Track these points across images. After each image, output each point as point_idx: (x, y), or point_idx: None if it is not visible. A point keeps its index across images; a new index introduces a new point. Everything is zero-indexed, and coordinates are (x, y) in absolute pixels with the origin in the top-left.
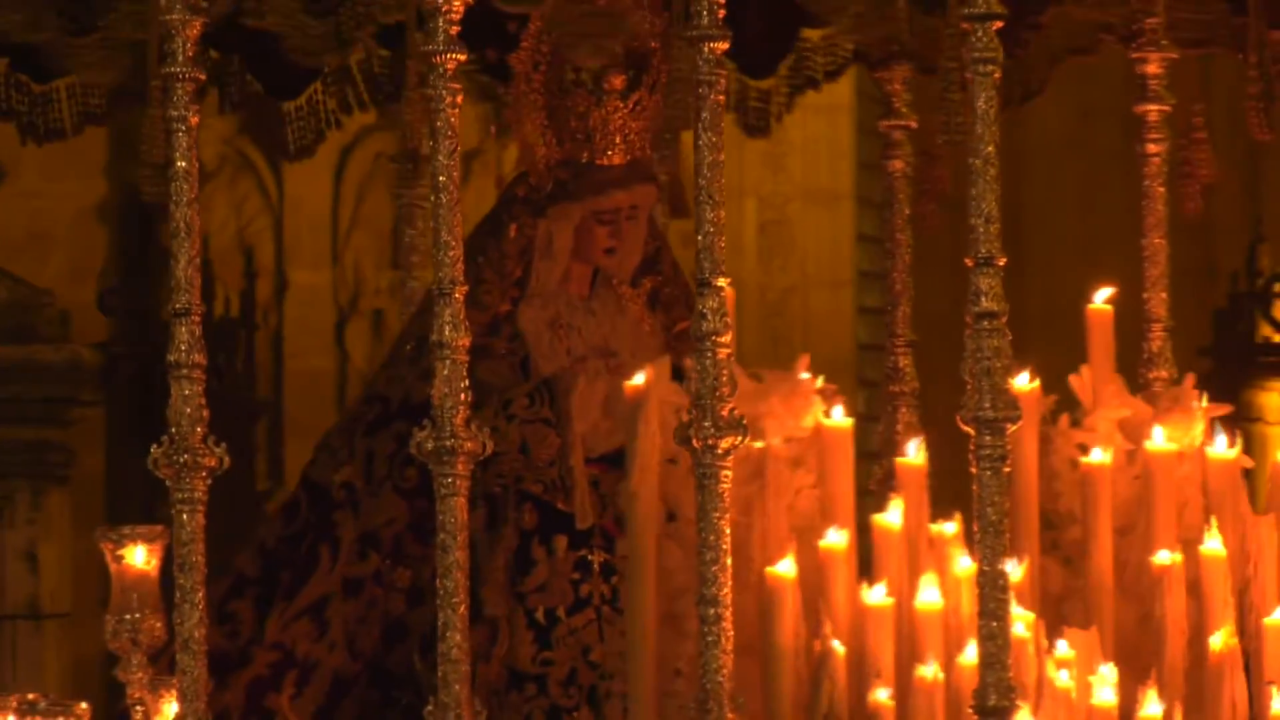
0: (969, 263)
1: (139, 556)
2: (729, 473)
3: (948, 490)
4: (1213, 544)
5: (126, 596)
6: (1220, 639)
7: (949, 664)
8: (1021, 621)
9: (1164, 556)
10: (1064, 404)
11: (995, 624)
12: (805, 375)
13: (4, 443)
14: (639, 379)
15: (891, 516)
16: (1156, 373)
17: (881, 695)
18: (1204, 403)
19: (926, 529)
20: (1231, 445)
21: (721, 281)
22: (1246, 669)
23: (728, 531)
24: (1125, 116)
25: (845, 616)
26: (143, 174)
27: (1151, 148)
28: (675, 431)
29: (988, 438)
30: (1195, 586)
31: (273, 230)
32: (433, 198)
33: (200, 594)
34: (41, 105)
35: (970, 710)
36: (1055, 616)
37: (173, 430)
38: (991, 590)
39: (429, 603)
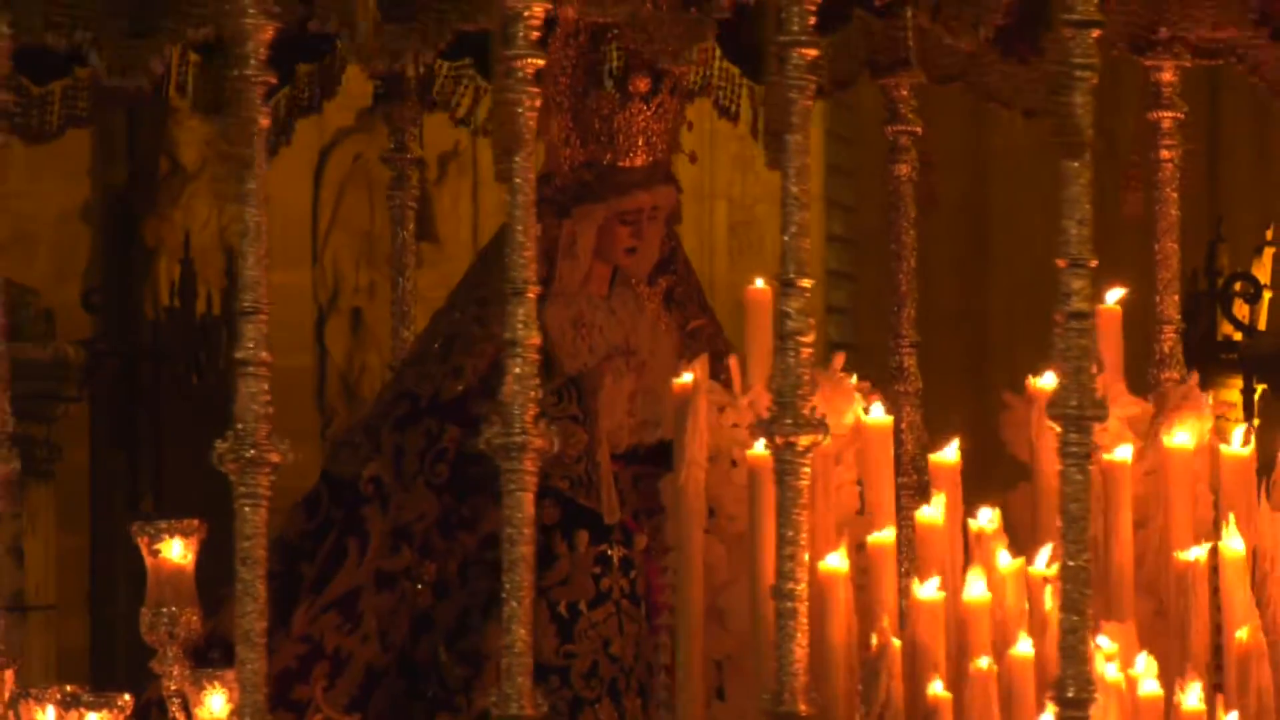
0: (1061, 264)
1: (175, 550)
2: (808, 469)
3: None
4: (1232, 540)
5: (163, 590)
6: (1246, 632)
7: (998, 658)
8: None
9: (1191, 553)
10: None
11: (1076, 617)
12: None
13: None
14: (687, 377)
15: (934, 512)
16: (1168, 374)
17: (938, 688)
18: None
19: (960, 525)
20: (1246, 443)
21: (805, 282)
22: None
23: (805, 527)
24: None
25: (892, 612)
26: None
27: (1165, 154)
28: (753, 428)
29: (1073, 434)
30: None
31: None
32: (509, 199)
33: (261, 587)
34: (38, 107)
35: (1049, 700)
36: None
37: (239, 426)
38: (1074, 584)
39: (453, 596)
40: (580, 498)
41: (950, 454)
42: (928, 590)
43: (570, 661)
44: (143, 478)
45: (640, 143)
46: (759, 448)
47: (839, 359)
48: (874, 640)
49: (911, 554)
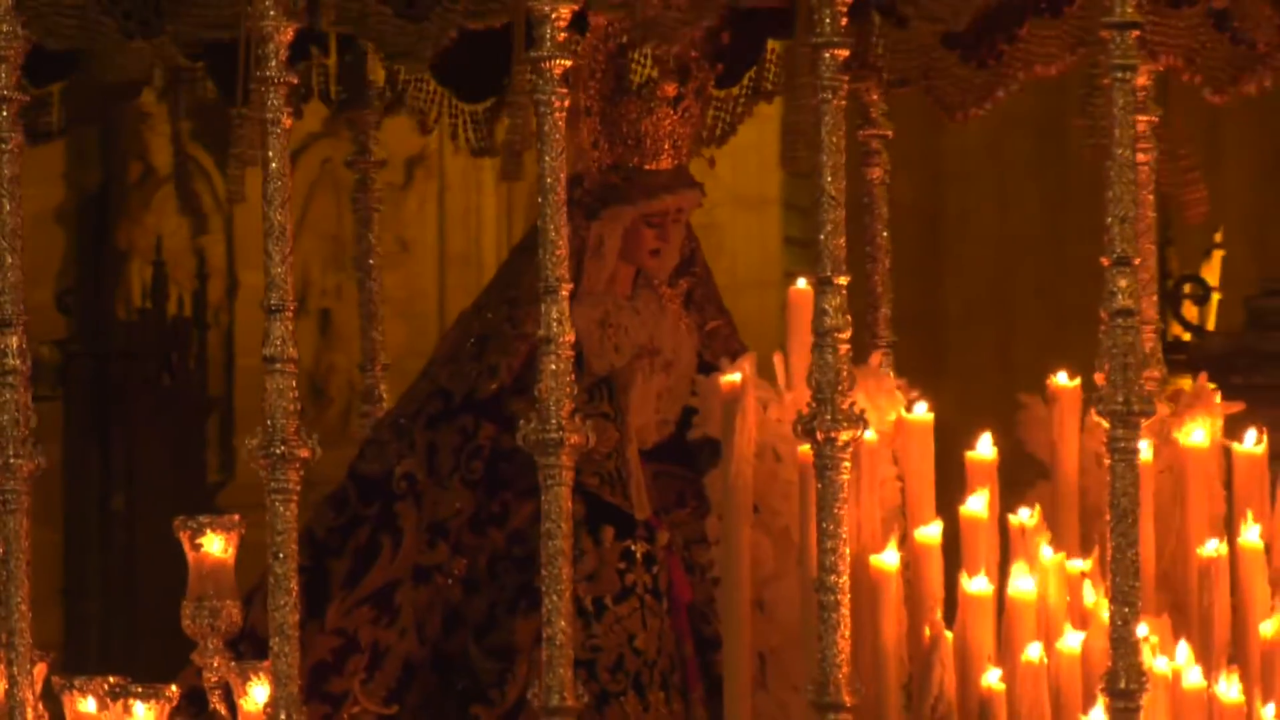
0: (1105, 262)
1: (216, 545)
2: (848, 464)
3: None
4: (1250, 534)
5: (204, 584)
6: (1272, 626)
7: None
8: None
9: (1210, 547)
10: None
11: (1127, 609)
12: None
13: None
14: (735, 375)
15: (977, 506)
16: (1149, 373)
17: (993, 679)
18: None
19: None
20: (1259, 441)
21: (842, 280)
22: None
23: (846, 522)
24: (1040, 125)
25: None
26: (231, 174)
27: (1140, 156)
28: (794, 424)
29: (1120, 430)
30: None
31: (224, 232)
32: (540, 199)
33: (293, 581)
34: (35, 108)
35: (1101, 692)
36: None
37: (268, 423)
38: (1123, 577)
39: (483, 591)
40: (605, 494)
41: (986, 450)
42: (978, 584)
43: (596, 655)
44: (115, 475)
45: (667, 146)
46: (808, 444)
47: (877, 356)
48: (926, 633)
49: None
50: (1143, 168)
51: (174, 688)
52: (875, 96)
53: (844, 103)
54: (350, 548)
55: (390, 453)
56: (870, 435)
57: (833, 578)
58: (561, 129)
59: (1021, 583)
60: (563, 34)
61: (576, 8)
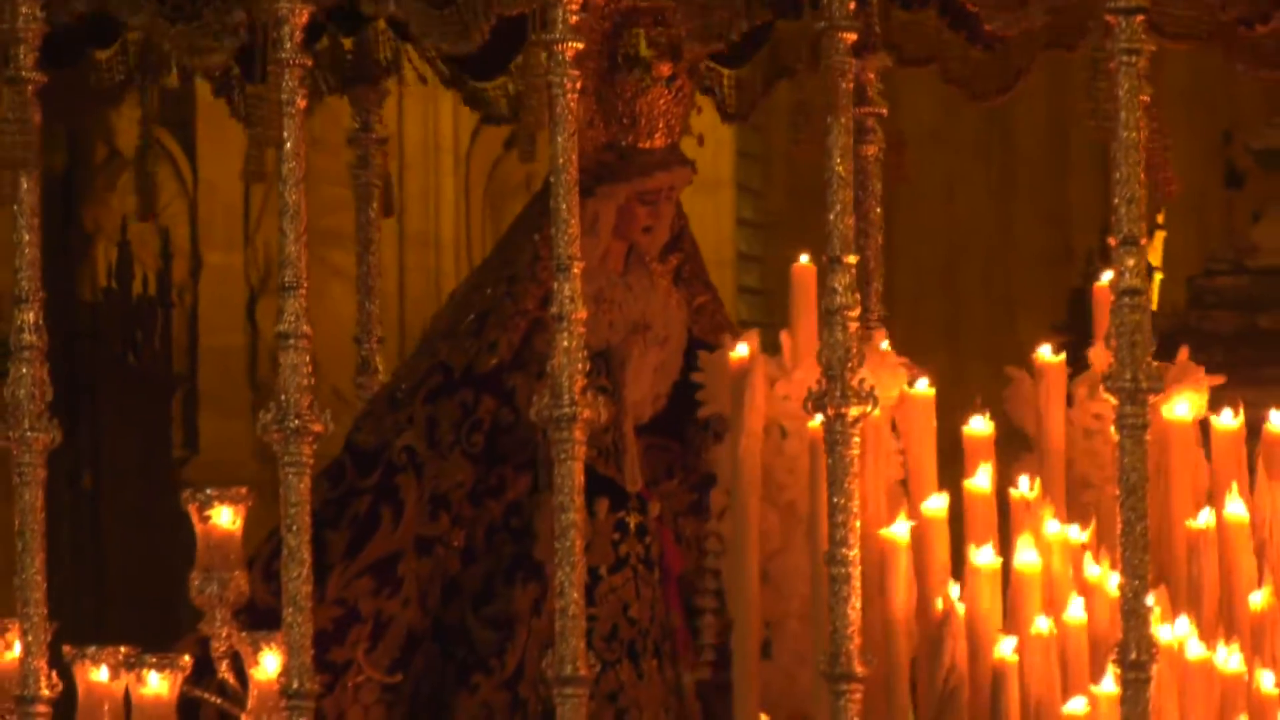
0: (1112, 242)
1: (225, 517)
2: (858, 439)
3: None
4: (1234, 507)
5: (212, 555)
6: (1263, 597)
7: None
8: None
9: (1200, 519)
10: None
11: (1138, 582)
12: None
13: None
14: (742, 349)
15: (981, 481)
16: None
17: (1006, 649)
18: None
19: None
20: (1236, 416)
21: (851, 258)
22: None
23: (856, 495)
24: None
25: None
26: (250, 154)
27: None
28: (805, 400)
29: (1129, 407)
30: None
31: (188, 214)
32: (552, 178)
33: (307, 552)
34: None
35: (1112, 662)
36: None
37: (281, 397)
38: (1133, 551)
39: (479, 561)
40: (600, 467)
41: (982, 426)
42: (984, 557)
43: (592, 625)
44: (82, 454)
45: (660, 125)
46: (818, 420)
47: (879, 334)
48: (939, 605)
49: None
50: None
51: (186, 657)
52: (872, 75)
53: (852, 84)
54: (348, 519)
55: (387, 426)
56: (875, 411)
57: (844, 550)
58: (574, 110)
59: (1026, 555)
60: (575, 16)
61: None
